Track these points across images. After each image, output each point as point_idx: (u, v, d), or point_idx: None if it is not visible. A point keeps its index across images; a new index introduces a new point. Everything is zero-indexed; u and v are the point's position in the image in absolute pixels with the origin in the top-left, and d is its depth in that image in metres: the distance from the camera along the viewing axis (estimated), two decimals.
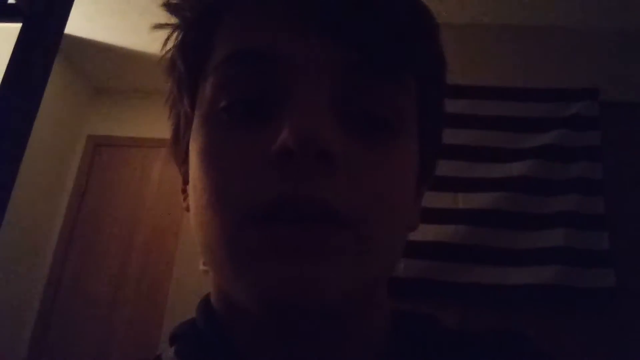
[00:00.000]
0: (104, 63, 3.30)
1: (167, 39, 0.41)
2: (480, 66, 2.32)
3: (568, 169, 2.12)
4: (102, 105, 3.57)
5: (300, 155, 0.30)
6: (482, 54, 2.38)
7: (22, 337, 2.98)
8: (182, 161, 0.41)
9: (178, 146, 0.42)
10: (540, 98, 2.25)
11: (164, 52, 0.41)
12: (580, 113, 2.20)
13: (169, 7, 0.40)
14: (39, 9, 1.15)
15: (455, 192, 2.11)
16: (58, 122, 3.23)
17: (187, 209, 0.39)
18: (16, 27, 1.18)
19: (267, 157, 0.31)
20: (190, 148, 0.38)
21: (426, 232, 1.99)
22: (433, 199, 2.03)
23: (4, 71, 1.14)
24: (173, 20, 0.41)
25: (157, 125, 3.40)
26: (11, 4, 1.20)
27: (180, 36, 0.40)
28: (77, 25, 2.84)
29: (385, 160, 0.34)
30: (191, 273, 2.84)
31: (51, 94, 2.89)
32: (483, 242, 2.03)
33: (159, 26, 0.41)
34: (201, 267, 2.83)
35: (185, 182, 0.41)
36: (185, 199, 0.42)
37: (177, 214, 3.11)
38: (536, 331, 1.79)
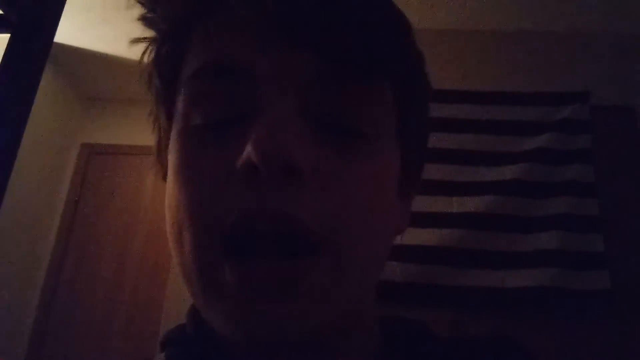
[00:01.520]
0: (97, 71, 3.30)
1: (144, 52, 0.40)
2: (472, 71, 2.33)
3: (560, 172, 2.12)
4: (96, 114, 3.57)
5: (264, 169, 0.29)
6: (473, 59, 2.39)
7: (19, 346, 2.96)
8: (164, 175, 0.41)
9: (161, 159, 0.42)
10: (531, 102, 2.25)
11: (142, 65, 0.41)
12: (571, 116, 2.20)
13: (144, 20, 0.40)
14: (27, 19, 1.15)
15: (450, 195, 2.11)
16: (51, 131, 3.23)
17: None
18: (4, 37, 1.17)
19: (233, 174, 0.31)
20: (169, 162, 0.37)
21: (421, 236, 1.98)
22: (428, 203, 2.03)
23: None
24: (149, 33, 0.40)
25: (151, 133, 3.39)
26: None
27: (155, 49, 0.40)
28: (68, 34, 2.84)
29: (358, 168, 0.33)
30: None
31: (44, 103, 2.90)
32: (478, 246, 2.02)
33: (137, 40, 0.40)
34: None
35: None
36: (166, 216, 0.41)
37: None
38: (531, 334, 1.79)
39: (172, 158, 0.36)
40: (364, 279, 0.35)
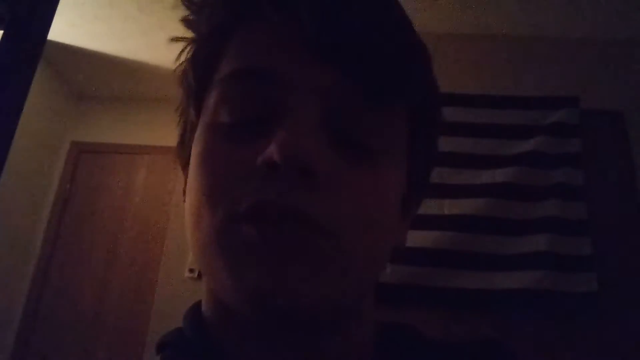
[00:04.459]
0: (88, 69, 3.28)
1: (182, 51, 0.43)
2: (462, 75, 2.34)
3: (550, 176, 2.14)
4: (86, 112, 3.55)
5: (283, 168, 0.32)
6: (464, 63, 2.41)
7: (5, 345, 2.94)
8: (185, 164, 0.43)
9: (183, 150, 0.45)
10: (522, 106, 2.28)
11: (178, 63, 0.44)
12: (561, 121, 2.23)
13: (186, 22, 0.42)
14: (21, 15, 1.14)
15: (441, 198, 2.12)
16: (41, 129, 3.21)
17: None
18: None
19: (254, 168, 0.33)
20: (192, 153, 0.40)
21: (412, 238, 1.95)
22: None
23: None
24: (189, 34, 0.43)
25: (141, 132, 3.41)
26: None
27: (192, 50, 0.43)
28: (60, 31, 2.82)
29: (368, 180, 0.36)
30: (176, 280, 2.82)
31: (35, 101, 2.87)
32: (468, 248, 2.04)
33: (176, 39, 0.43)
34: (186, 274, 2.81)
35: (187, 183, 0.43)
36: (184, 200, 0.43)
37: (162, 221, 3.09)
38: (520, 335, 1.80)
39: (197, 148, 0.39)
40: (362, 277, 0.37)
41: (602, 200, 2.12)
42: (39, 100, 3.10)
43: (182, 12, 0.43)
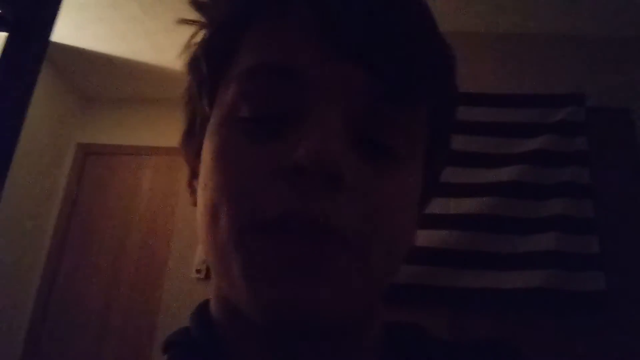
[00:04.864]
0: (93, 71, 3.30)
1: (193, 36, 0.41)
2: (468, 73, 2.33)
3: (557, 174, 2.13)
4: (92, 113, 3.56)
5: (312, 174, 0.31)
6: (469, 61, 2.38)
7: (14, 347, 2.95)
8: (194, 156, 0.41)
9: (191, 141, 0.43)
10: (527, 104, 2.27)
11: (187, 47, 0.41)
12: (567, 118, 2.22)
13: (197, 4, 0.40)
14: (25, 18, 1.15)
15: (447, 197, 2.11)
16: (47, 131, 3.23)
17: (194, 204, 0.40)
18: (1, 36, 1.17)
19: (279, 171, 0.32)
20: (205, 146, 0.38)
21: (418, 238, 1.96)
22: None
23: None
24: (200, 18, 0.41)
25: (147, 133, 3.42)
26: None
27: (206, 36, 0.40)
28: (65, 33, 2.84)
29: (391, 185, 0.35)
30: (183, 281, 2.83)
31: (40, 103, 2.89)
32: (474, 247, 2.03)
33: (185, 21, 0.41)
34: (193, 274, 2.82)
35: (194, 176, 0.42)
36: (191, 193, 0.42)
37: (169, 222, 3.10)
38: (527, 335, 1.79)
39: (212, 142, 0.37)
40: (379, 282, 0.36)
41: (609, 198, 2.11)
42: (44, 102, 3.12)
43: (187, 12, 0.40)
